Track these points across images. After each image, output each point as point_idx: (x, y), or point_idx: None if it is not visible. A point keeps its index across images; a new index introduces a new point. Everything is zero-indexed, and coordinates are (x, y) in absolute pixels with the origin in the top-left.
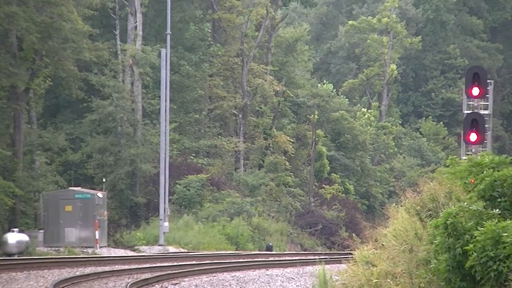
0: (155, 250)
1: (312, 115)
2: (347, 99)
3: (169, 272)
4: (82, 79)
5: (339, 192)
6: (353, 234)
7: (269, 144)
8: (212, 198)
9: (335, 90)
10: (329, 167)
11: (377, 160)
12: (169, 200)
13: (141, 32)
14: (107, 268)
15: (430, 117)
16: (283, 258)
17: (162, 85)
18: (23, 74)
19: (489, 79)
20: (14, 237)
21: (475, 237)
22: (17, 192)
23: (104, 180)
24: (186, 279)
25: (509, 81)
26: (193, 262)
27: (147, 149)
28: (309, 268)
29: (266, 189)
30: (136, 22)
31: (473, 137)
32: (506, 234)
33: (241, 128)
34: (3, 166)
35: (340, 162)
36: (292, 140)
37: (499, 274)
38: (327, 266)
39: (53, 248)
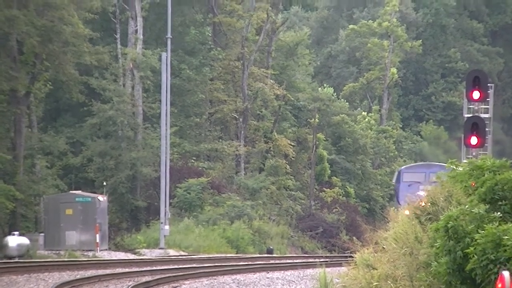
0: (155, 253)
1: (313, 119)
2: (347, 103)
3: (170, 275)
4: (83, 83)
5: (340, 195)
6: (354, 237)
7: (270, 147)
8: (213, 202)
9: (335, 93)
10: (329, 171)
11: (378, 164)
12: (170, 204)
13: (141, 36)
14: (107, 271)
15: (431, 120)
16: (284, 261)
17: (162, 89)
18: (23, 78)
19: (489, 83)
20: (14, 241)
21: (476, 240)
22: (17, 195)
23: (104, 183)
24: (187, 282)
25: (510, 84)
26: (194, 265)
27: (147, 153)
28: (309, 271)
29: (267, 192)
30: (137, 26)
31: (473, 140)
32: (506, 237)
33: (242, 132)
34: (4, 170)
35: (340, 166)
36: (292, 144)
37: None
38: (328, 269)
39: (53, 251)
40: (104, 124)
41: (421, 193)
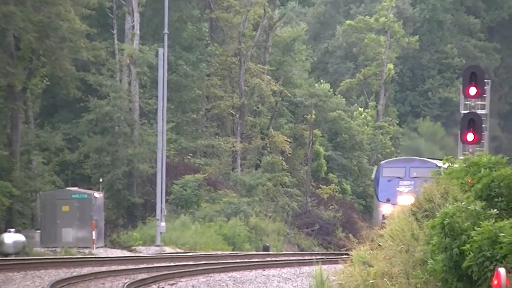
0: (152, 250)
1: (310, 115)
2: (344, 99)
3: (166, 272)
4: (80, 79)
5: (336, 192)
6: (350, 234)
7: (266, 144)
8: (209, 198)
9: (332, 89)
10: (326, 167)
11: (374, 160)
12: (166, 200)
13: (138, 32)
14: (104, 269)
15: (428, 117)
16: (280, 258)
17: (159, 85)
18: (20, 74)
19: (486, 79)
20: (11, 237)
21: (472, 237)
22: (14, 192)
23: (101, 180)
24: (183, 279)
25: (507, 80)
26: (190, 263)
27: (144, 149)
28: (306, 269)
29: (263, 189)
30: (134, 21)
31: (470, 137)
32: (503, 234)
33: (238, 128)
34: (0, 166)
35: (337, 162)
36: (289, 140)
37: None
38: (324, 266)
39: (50, 249)
40: (101, 120)
41: (401, 189)
